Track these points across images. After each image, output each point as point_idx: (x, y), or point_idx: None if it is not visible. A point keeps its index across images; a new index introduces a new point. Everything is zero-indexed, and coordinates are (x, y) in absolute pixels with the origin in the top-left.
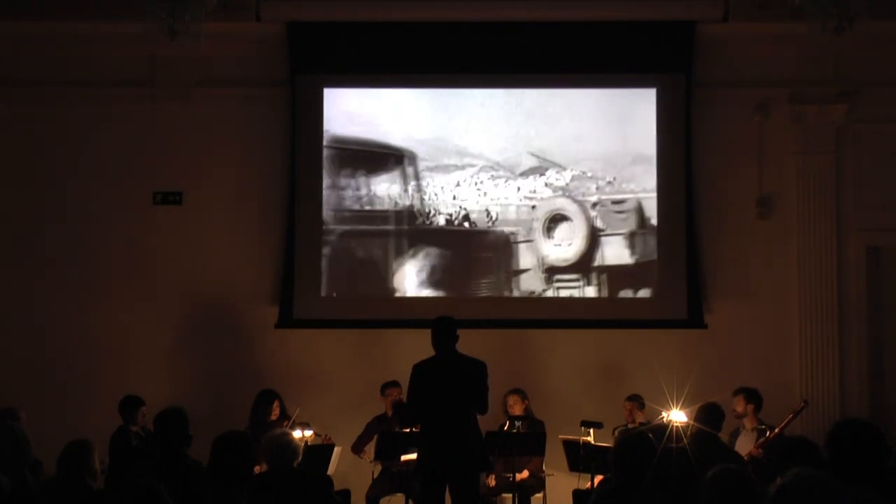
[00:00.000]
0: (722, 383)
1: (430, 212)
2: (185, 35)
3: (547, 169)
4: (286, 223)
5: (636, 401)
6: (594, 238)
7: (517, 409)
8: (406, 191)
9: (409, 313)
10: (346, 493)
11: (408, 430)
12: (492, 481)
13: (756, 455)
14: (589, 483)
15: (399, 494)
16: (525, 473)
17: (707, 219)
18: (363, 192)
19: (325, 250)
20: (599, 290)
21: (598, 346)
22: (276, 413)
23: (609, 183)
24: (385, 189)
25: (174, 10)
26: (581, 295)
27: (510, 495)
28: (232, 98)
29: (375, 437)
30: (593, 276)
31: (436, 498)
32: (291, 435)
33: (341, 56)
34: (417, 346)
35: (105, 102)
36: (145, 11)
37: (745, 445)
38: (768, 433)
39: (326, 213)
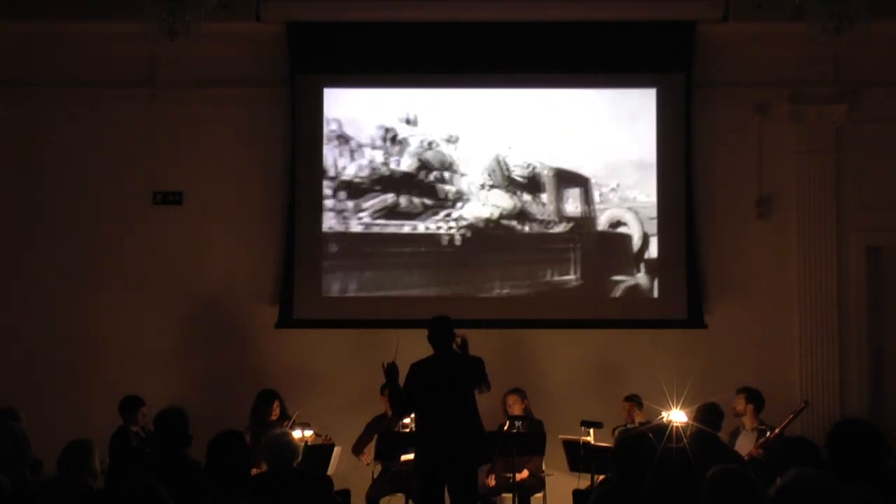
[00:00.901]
0: (722, 383)
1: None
2: (185, 35)
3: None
4: (286, 223)
5: (634, 401)
6: (645, 237)
7: (516, 409)
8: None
9: (410, 313)
10: (346, 493)
11: (407, 430)
12: (491, 481)
13: (756, 455)
14: (589, 483)
15: (399, 494)
16: (525, 473)
17: (707, 219)
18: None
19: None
20: (650, 279)
21: (598, 346)
22: (276, 413)
23: (613, 189)
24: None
25: (174, 10)
26: (634, 282)
27: (510, 495)
28: (232, 98)
29: (375, 437)
30: (642, 266)
31: (435, 497)
32: (291, 435)
33: (341, 56)
34: (418, 346)
35: (105, 102)
36: (145, 11)
37: (745, 445)
38: (768, 433)
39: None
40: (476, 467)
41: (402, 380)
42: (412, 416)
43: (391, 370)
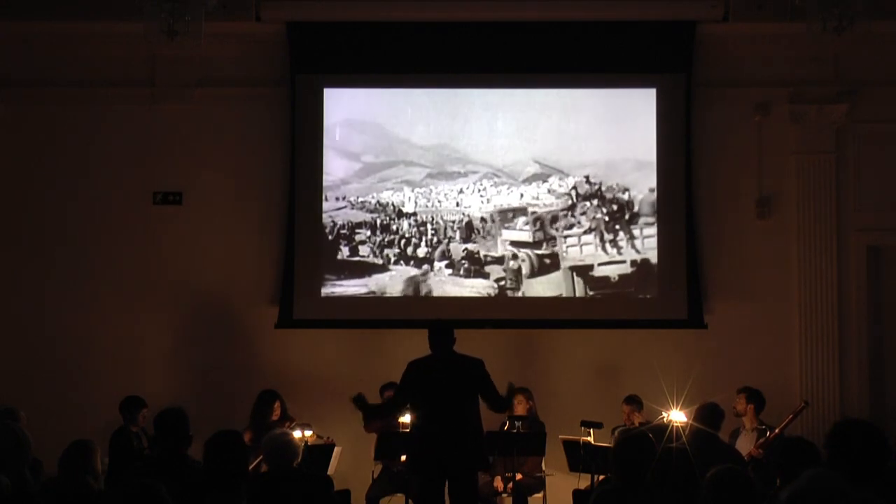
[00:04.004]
0: (722, 383)
1: (433, 218)
2: (185, 35)
3: (549, 175)
4: (286, 223)
5: (633, 403)
6: None
7: (520, 409)
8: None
9: (410, 314)
10: (346, 493)
11: (408, 430)
12: (499, 484)
13: (756, 455)
14: (589, 483)
15: (399, 494)
16: (518, 476)
17: (707, 219)
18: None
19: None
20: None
21: (599, 346)
22: (276, 413)
23: (611, 188)
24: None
25: (174, 10)
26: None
27: (509, 496)
28: (232, 98)
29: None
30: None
31: (434, 497)
32: (291, 435)
33: (341, 56)
34: (418, 346)
35: (105, 102)
36: (145, 11)
37: (745, 445)
38: (768, 433)
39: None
40: (475, 471)
41: (399, 377)
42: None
43: (359, 400)
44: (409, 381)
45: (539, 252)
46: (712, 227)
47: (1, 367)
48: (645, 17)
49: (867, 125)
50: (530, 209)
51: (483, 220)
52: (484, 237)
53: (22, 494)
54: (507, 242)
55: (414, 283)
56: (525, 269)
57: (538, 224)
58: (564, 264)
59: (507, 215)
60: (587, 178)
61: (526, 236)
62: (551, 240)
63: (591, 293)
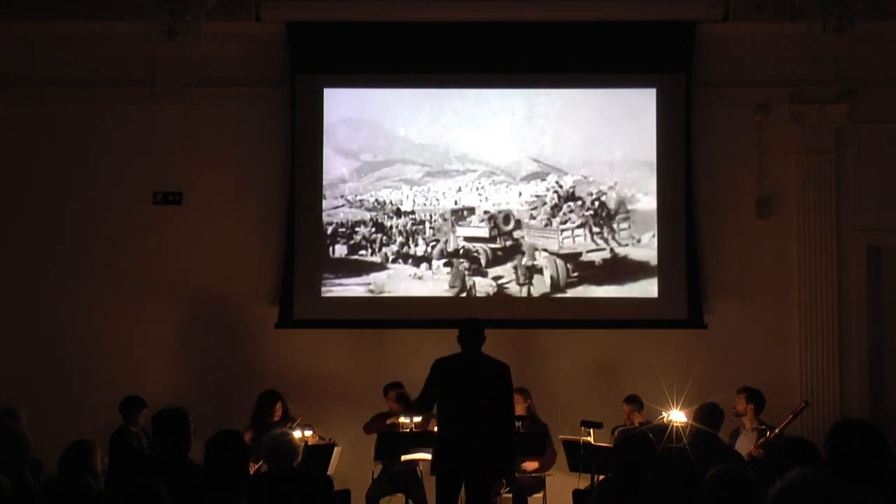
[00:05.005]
0: (722, 383)
1: (431, 216)
2: (185, 35)
3: (548, 174)
4: (286, 223)
5: (633, 403)
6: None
7: (519, 409)
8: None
9: (410, 314)
10: (346, 493)
11: (408, 430)
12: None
13: (756, 455)
14: (589, 483)
15: (399, 494)
16: (535, 464)
17: (707, 219)
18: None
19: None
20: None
21: (599, 347)
22: (278, 414)
23: (611, 188)
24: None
25: (174, 10)
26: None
27: (509, 495)
28: (232, 98)
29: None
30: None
31: (451, 498)
32: (291, 435)
33: (341, 56)
34: (419, 346)
35: (105, 102)
36: (145, 11)
37: (745, 445)
38: (768, 433)
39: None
40: (490, 475)
41: (405, 382)
42: (413, 417)
43: (401, 398)
44: (436, 378)
45: (493, 246)
46: (712, 227)
47: (1, 367)
48: (645, 17)
49: (867, 125)
50: (519, 208)
51: (436, 219)
52: (435, 233)
53: (22, 494)
54: (461, 238)
55: (460, 276)
56: (482, 261)
57: (492, 222)
58: (547, 253)
59: (460, 213)
60: (558, 182)
61: (482, 232)
62: (504, 235)
63: (574, 275)
